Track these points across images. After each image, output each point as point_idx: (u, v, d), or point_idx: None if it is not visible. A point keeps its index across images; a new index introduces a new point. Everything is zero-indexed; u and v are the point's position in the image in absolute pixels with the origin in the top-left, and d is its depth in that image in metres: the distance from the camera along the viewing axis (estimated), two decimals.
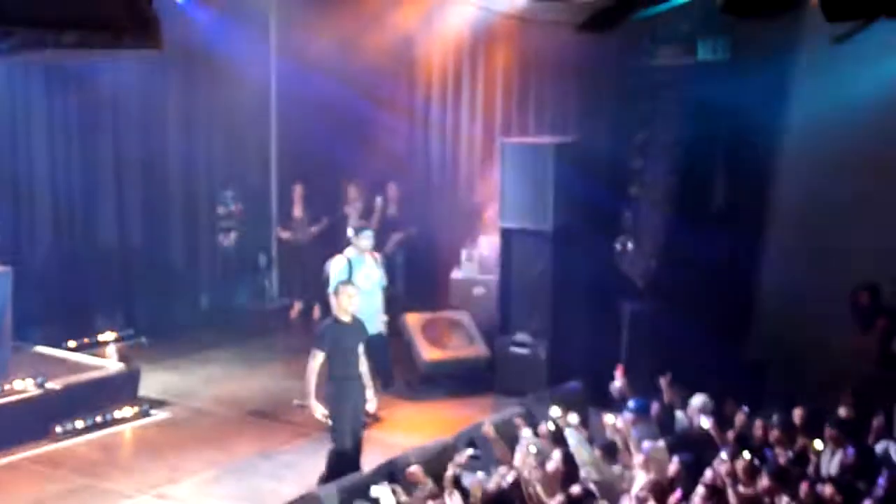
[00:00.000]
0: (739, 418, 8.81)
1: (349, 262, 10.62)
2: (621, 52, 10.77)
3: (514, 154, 11.50)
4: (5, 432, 9.72)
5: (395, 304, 11.68)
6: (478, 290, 12.50)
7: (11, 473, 9.36)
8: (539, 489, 7.58)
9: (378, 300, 10.76)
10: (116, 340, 12.99)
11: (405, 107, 14.04)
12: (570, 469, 7.84)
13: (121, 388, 10.91)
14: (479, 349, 11.92)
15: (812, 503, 7.18)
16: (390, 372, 11.20)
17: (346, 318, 8.78)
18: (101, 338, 12.90)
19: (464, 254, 12.84)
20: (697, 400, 9.00)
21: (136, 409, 10.70)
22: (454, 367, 11.77)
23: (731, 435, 8.48)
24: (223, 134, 14.76)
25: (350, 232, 11.07)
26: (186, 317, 14.24)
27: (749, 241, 10.77)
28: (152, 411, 10.82)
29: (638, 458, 8.01)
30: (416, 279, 13.91)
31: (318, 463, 8.83)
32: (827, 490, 7.16)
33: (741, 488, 7.38)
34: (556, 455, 7.87)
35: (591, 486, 7.59)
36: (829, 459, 7.97)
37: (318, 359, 8.61)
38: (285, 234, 14.92)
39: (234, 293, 15.17)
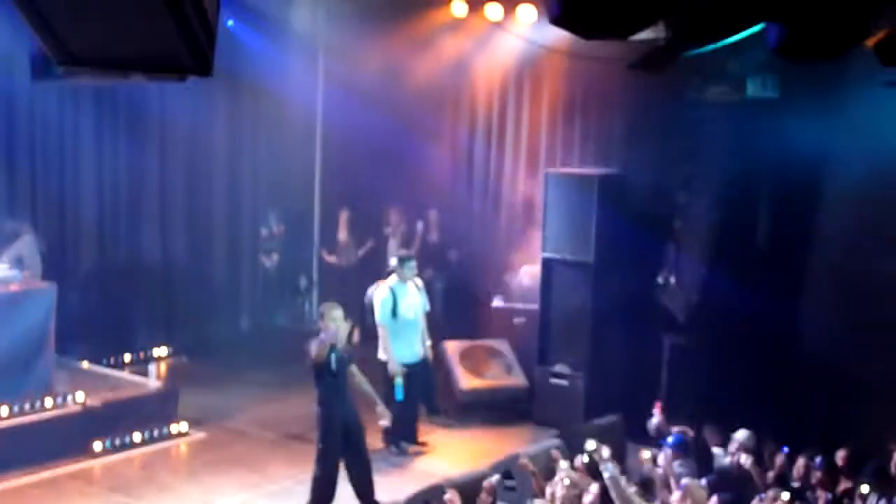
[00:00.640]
0: (779, 458, 8.72)
1: (392, 291, 10.61)
2: (668, 87, 10.74)
3: (557, 185, 11.51)
4: (45, 448, 9.80)
5: (434, 331, 11.69)
6: (518, 320, 12.44)
7: (49, 489, 9.43)
8: None
9: (421, 327, 10.78)
10: (157, 359, 13.09)
11: (449, 137, 14.10)
12: (606, 503, 7.79)
13: (160, 407, 10.96)
14: (517, 379, 11.89)
15: None
16: (435, 399, 11.19)
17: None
18: (141, 355, 12.99)
19: (505, 282, 12.80)
20: (741, 435, 8.89)
21: (174, 428, 10.76)
22: (492, 397, 11.75)
23: (771, 475, 8.39)
24: (268, 157, 14.91)
25: (393, 261, 11.09)
26: (226, 337, 14.35)
27: (792, 280, 10.65)
28: (190, 431, 10.87)
29: (676, 495, 7.94)
30: (456, 307, 13.88)
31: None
32: None
33: None
34: (594, 489, 7.80)
35: None
36: None
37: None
38: (330, 258, 14.99)
39: (275, 315, 15.27)
